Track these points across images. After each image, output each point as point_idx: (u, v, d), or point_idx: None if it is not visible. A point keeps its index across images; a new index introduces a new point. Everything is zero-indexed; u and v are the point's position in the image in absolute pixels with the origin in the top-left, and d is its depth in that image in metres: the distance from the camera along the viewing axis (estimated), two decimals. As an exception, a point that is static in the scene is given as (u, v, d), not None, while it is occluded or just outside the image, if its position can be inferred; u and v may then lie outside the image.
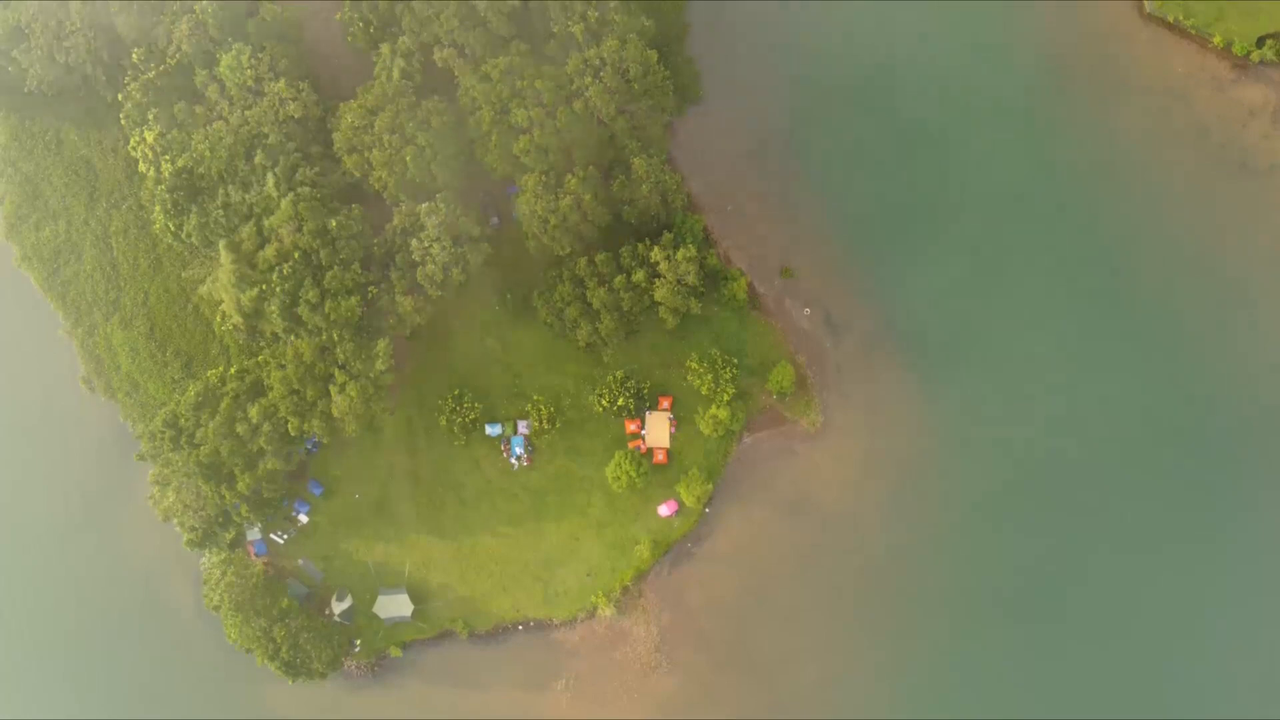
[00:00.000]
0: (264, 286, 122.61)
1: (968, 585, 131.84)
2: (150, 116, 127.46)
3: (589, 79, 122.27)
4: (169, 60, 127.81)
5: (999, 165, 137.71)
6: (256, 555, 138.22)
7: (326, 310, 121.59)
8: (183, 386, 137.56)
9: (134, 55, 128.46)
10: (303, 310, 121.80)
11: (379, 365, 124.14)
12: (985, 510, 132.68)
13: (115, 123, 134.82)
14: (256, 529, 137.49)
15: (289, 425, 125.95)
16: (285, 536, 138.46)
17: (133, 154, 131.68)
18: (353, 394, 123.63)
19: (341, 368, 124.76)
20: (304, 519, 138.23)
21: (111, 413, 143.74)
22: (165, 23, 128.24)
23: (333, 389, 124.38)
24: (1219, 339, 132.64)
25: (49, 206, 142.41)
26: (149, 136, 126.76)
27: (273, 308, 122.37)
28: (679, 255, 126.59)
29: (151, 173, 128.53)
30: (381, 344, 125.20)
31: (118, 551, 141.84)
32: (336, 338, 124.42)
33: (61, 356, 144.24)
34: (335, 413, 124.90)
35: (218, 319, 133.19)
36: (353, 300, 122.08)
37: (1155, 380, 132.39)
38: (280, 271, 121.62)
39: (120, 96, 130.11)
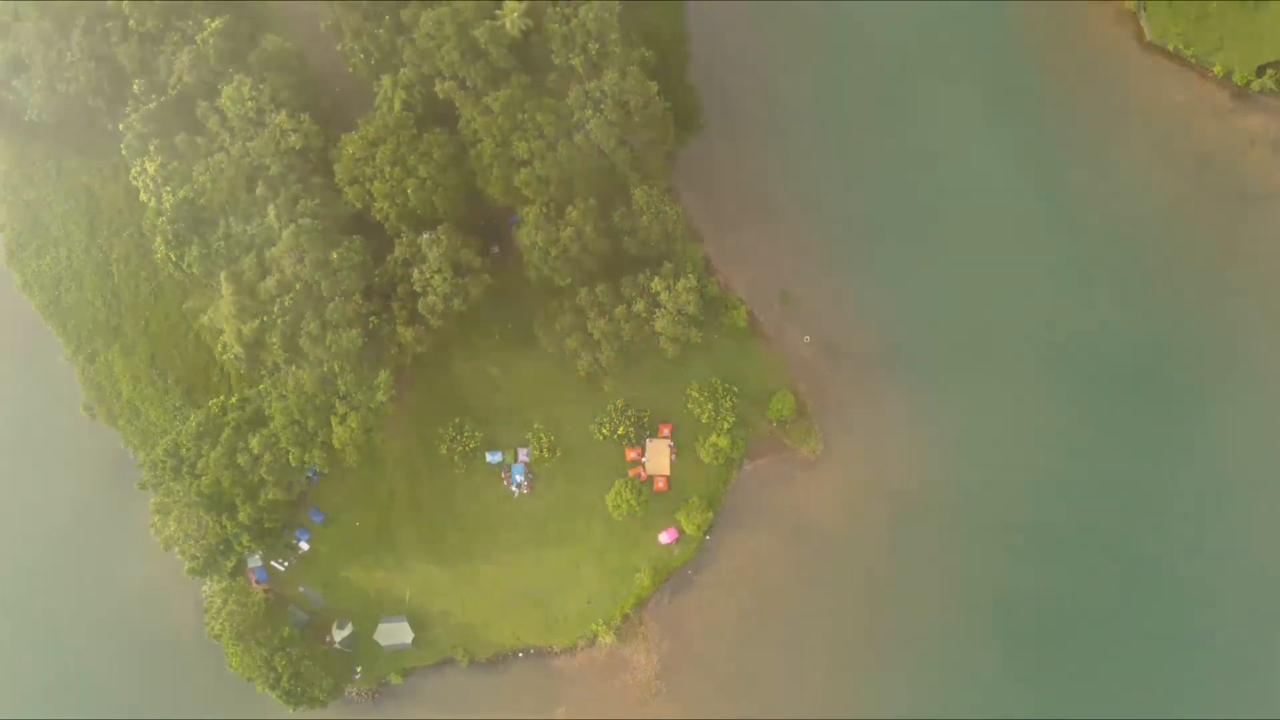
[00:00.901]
0: (265, 318, 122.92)
1: (969, 612, 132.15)
2: (151, 147, 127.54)
3: (590, 111, 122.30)
4: (170, 91, 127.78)
5: (999, 192, 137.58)
6: (257, 582, 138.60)
7: (328, 342, 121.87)
8: (184, 414, 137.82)
9: (135, 86, 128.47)
10: (304, 342, 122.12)
11: (379, 396, 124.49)
12: (986, 537, 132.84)
13: (116, 150, 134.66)
14: (257, 556, 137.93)
15: (290, 456, 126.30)
16: (286, 563, 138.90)
17: (134, 183, 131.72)
18: (353, 425, 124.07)
19: (342, 399, 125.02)
20: (305, 546, 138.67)
21: (113, 439, 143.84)
22: (166, 54, 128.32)
23: (334, 420, 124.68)
24: (1219, 365, 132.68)
25: (50, 234, 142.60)
26: (150, 167, 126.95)
27: (274, 339, 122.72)
28: (679, 286, 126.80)
29: (153, 203, 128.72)
30: (382, 375, 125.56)
31: (119, 578, 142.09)
32: (338, 369, 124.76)
33: (63, 383, 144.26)
34: (336, 444, 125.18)
35: (218, 347, 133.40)
36: (354, 332, 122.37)
37: (1157, 408, 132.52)
38: (281, 303, 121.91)
39: (121, 127, 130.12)
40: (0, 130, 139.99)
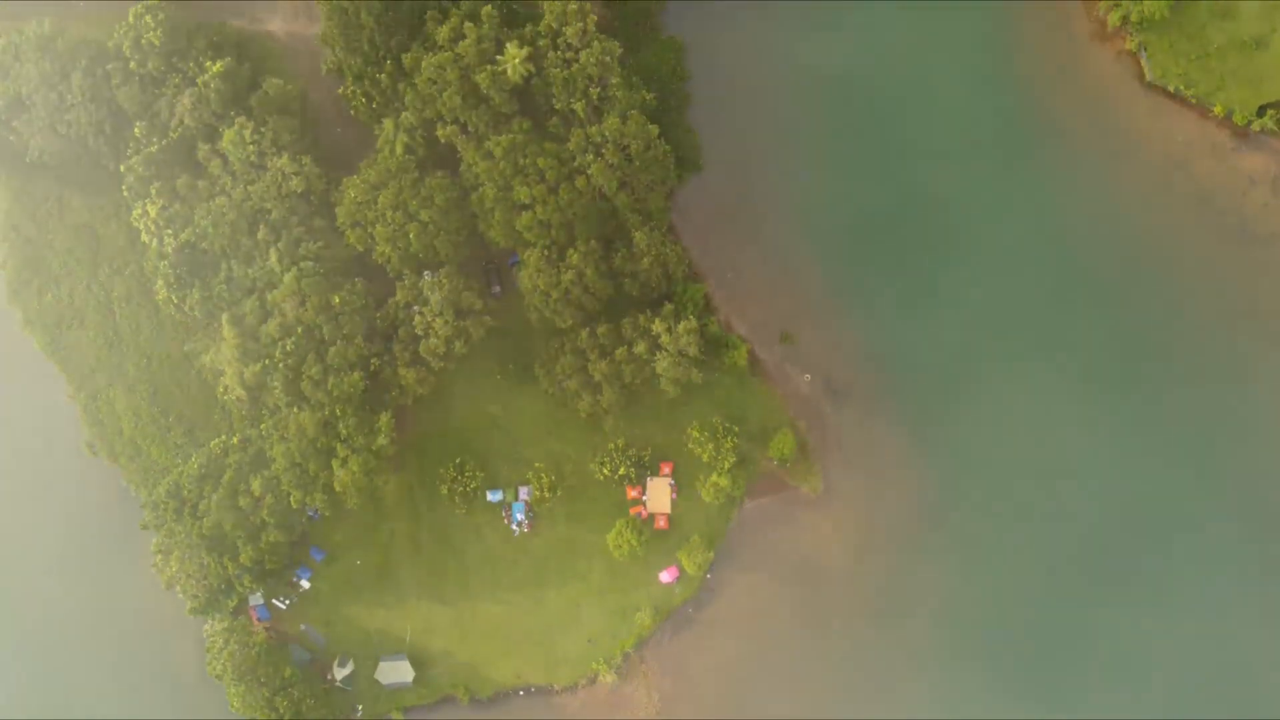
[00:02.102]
0: (267, 361, 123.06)
1: (972, 650, 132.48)
2: (153, 190, 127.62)
3: (591, 156, 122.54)
4: (171, 134, 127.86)
5: (1000, 231, 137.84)
6: (259, 620, 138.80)
7: (330, 386, 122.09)
8: (185, 452, 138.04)
9: (136, 129, 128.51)
10: (306, 386, 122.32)
11: (381, 440, 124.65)
12: (988, 574, 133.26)
13: (117, 189, 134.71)
14: (259, 594, 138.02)
15: (291, 498, 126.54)
16: (288, 601, 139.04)
17: (135, 224, 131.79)
18: (355, 468, 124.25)
19: (344, 442, 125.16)
20: (306, 584, 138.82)
21: (116, 476, 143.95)
22: (167, 96, 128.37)
23: (335, 463, 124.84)
24: (1220, 403, 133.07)
25: (51, 272, 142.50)
26: (152, 210, 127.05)
27: (275, 383, 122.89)
28: (680, 328, 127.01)
29: (155, 245, 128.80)
30: (384, 418, 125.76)
31: (121, 616, 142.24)
32: (339, 412, 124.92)
33: (65, 420, 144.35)
34: (337, 487, 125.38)
35: (220, 388, 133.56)
36: (355, 376, 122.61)
37: (1158, 444, 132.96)
38: (283, 347, 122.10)
39: (123, 168, 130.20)
40: (1, 168, 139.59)
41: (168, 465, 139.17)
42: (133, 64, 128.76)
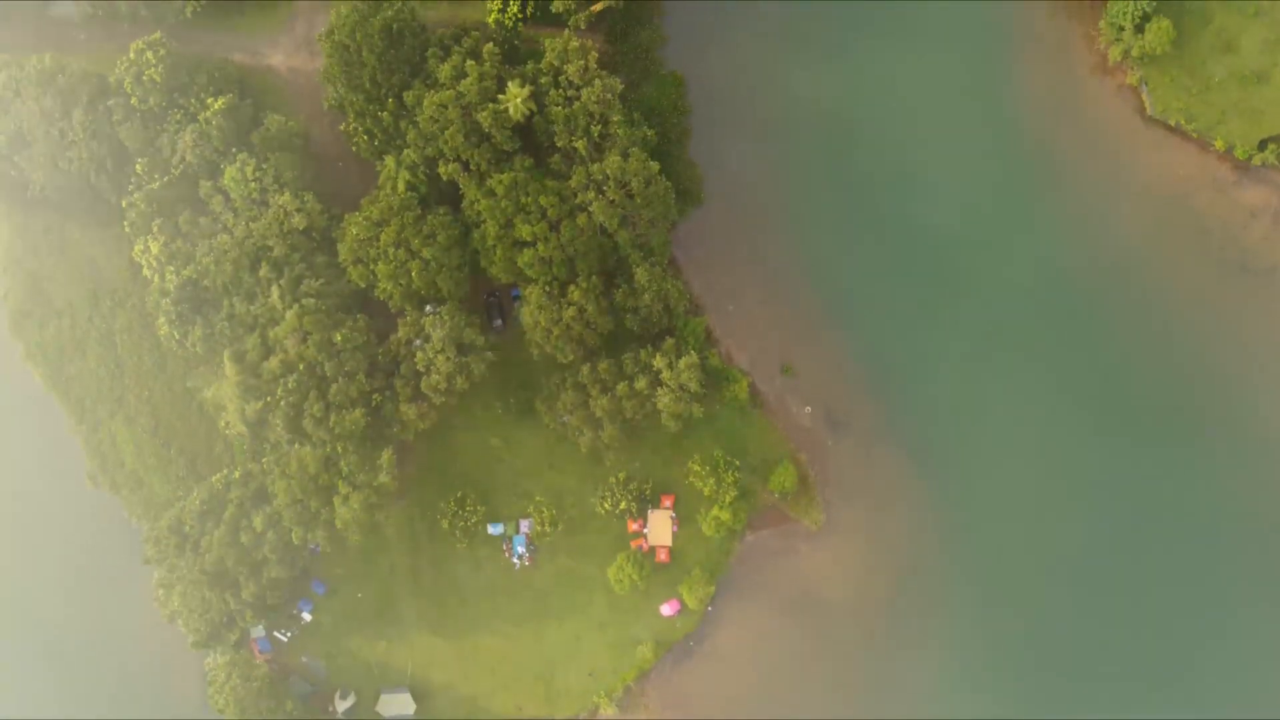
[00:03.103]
0: (269, 399, 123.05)
1: (976, 682, 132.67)
2: (154, 227, 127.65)
3: (592, 193, 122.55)
4: (173, 171, 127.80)
5: (1001, 264, 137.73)
6: (261, 652, 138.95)
7: (331, 424, 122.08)
8: (187, 484, 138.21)
9: (138, 166, 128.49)
10: (308, 424, 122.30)
11: (382, 477, 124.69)
12: (990, 607, 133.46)
13: (119, 222, 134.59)
14: (261, 626, 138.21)
15: (293, 535, 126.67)
16: (289, 634, 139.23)
17: (137, 259, 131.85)
18: (356, 505, 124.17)
19: (345, 479, 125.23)
20: (307, 617, 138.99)
21: (118, 507, 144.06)
22: (169, 132, 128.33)
23: (336, 500, 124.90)
24: (1220, 434, 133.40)
25: (53, 304, 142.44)
26: (154, 247, 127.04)
27: (277, 420, 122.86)
28: (681, 364, 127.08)
29: (156, 280, 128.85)
30: (385, 455, 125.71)
31: (123, 648, 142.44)
32: (341, 449, 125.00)
33: (67, 452, 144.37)
34: (338, 524, 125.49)
35: (222, 422, 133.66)
36: (357, 413, 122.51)
37: (1159, 476, 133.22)
38: (285, 384, 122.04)
39: (124, 204, 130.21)
40: (2, 202, 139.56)
41: (170, 497, 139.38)
42: (134, 100, 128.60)
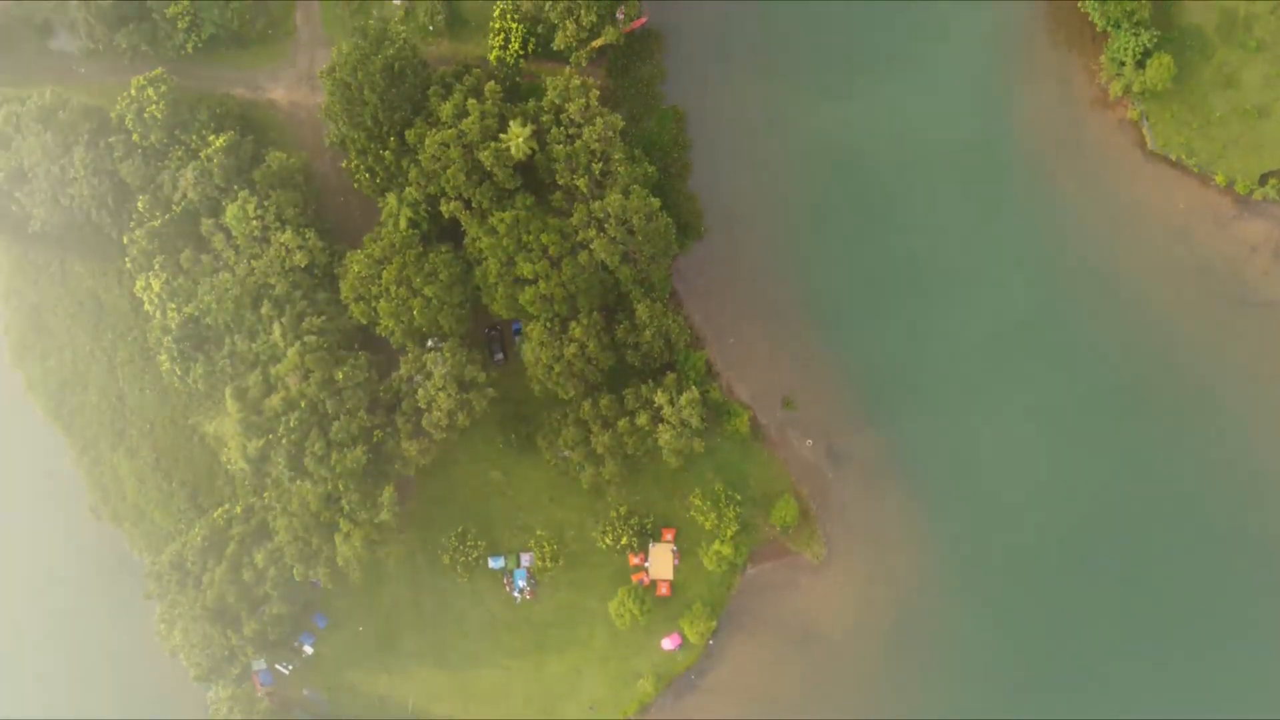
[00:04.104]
0: (270, 436, 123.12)
1: (977, 715, 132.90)
2: (156, 264, 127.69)
3: (593, 231, 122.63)
4: (174, 208, 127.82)
5: (1001, 299, 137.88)
6: (262, 685, 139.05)
7: (333, 462, 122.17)
8: (188, 516, 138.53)
9: (139, 203, 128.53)
10: (309, 462, 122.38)
11: (384, 515, 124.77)
12: (994, 640, 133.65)
13: (120, 256, 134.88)
14: (262, 659, 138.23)
15: (294, 571, 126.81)
16: (290, 667, 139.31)
17: (139, 295, 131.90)
18: (357, 542, 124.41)
19: (346, 516, 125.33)
20: (309, 650, 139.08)
21: (120, 539, 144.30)
22: (170, 169, 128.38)
23: (338, 537, 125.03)
24: (1219, 469, 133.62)
25: (55, 337, 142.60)
26: (155, 284, 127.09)
27: (279, 458, 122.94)
28: (683, 400, 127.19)
29: (158, 317, 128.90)
30: (386, 491, 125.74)
31: (125, 681, 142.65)
32: (342, 487, 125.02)
33: (70, 485, 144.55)
34: (339, 561, 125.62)
35: (224, 456, 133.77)
36: (358, 451, 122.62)
37: (1158, 510, 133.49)
38: (287, 422, 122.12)
39: (125, 240, 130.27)
40: (3, 235, 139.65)
41: (172, 530, 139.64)
42: (135, 136, 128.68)
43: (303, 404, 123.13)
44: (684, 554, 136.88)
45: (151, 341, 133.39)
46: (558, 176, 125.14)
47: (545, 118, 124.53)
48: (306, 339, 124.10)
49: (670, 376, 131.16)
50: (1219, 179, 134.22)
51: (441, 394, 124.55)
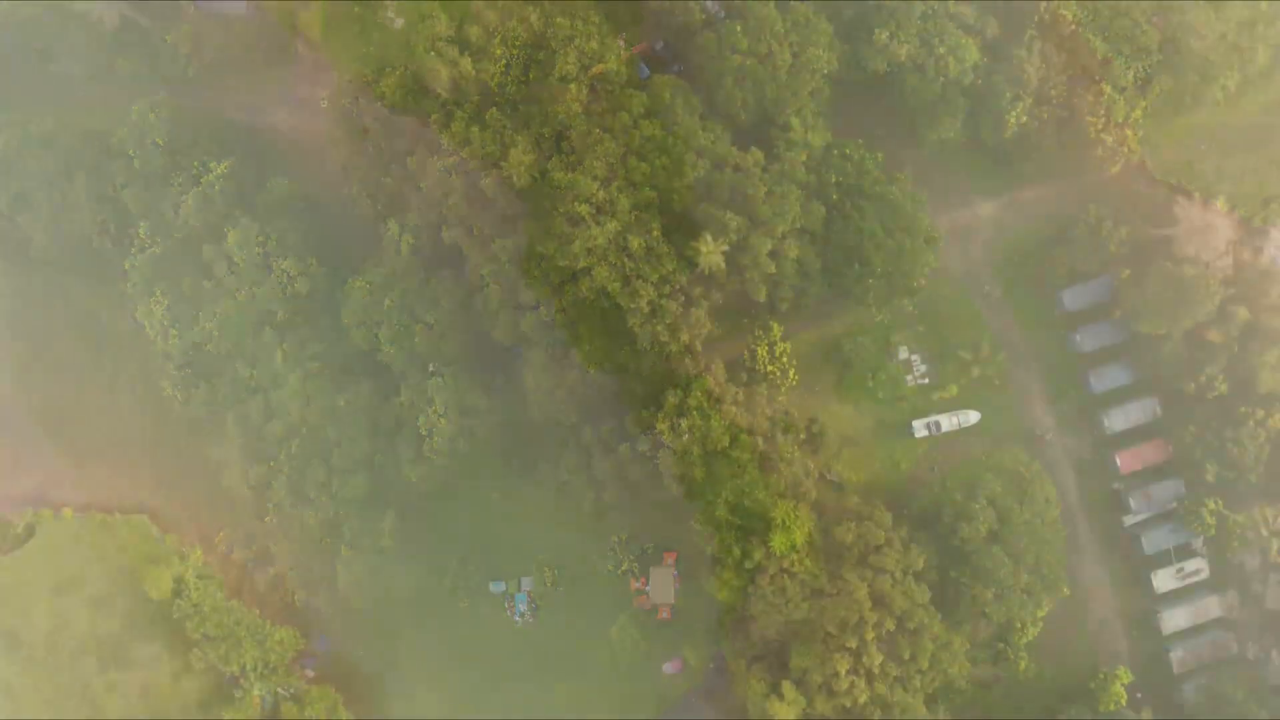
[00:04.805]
0: (273, 463, 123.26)
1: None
2: (158, 290, 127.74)
3: (595, 258, 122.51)
4: (176, 235, 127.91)
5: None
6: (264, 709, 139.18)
7: (334, 489, 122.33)
8: (190, 543, 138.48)
9: (141, 229, 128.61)
10: (310, 489, 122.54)
11: (385, 540, 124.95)
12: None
13: (122, 280, 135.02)
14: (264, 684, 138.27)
15: (295, 598, 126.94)
16: (292, 692, 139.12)
17: (140, 319, 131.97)
18: (358, 568, 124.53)
19: (347, 543, 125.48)
20: (311, 674, 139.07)
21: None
22: (172, 195, 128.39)
23: (340, 565, 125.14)
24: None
25: (56, 361, 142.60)
26: (157, 310, 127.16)
27: (280, 485, 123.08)
28: (683, 425, 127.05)
29: (160, 343, 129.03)
30: (387, 518, 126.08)
31: (127, 703, 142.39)
32: (343, 513, 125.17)
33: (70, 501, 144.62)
34: (341, 586, 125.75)
35: (225, 480, 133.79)
36: (359, 478, 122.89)
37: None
38: (288, 449, 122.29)
39: (127, 266, 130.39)
40: (5, 259, 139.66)
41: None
42: (136, 162, 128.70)
43: (304, 430, 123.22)
44: (685, 576, 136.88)
45: (153, 367, 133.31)
46: (559, 203, 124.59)
47: (547, 143, 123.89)
48: (308, 365, 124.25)
49: (671, 402, 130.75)
50: (1221, 204, 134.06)
51: (443, 420, 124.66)
